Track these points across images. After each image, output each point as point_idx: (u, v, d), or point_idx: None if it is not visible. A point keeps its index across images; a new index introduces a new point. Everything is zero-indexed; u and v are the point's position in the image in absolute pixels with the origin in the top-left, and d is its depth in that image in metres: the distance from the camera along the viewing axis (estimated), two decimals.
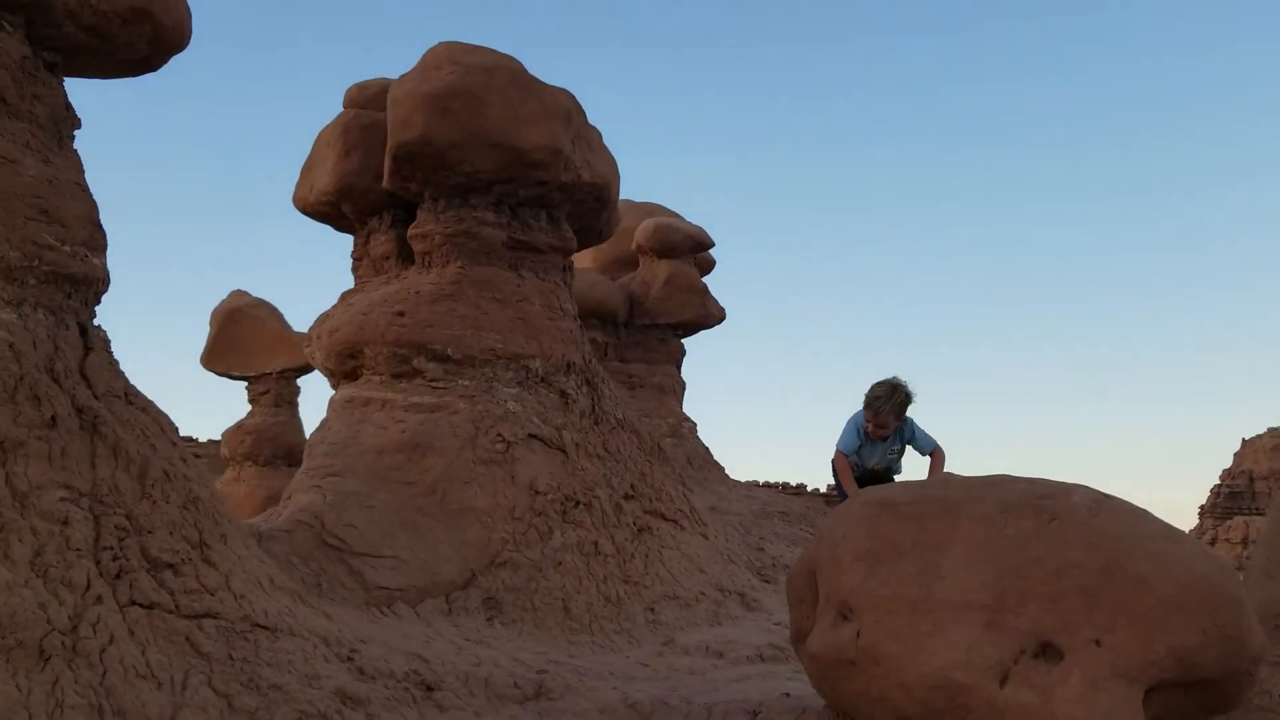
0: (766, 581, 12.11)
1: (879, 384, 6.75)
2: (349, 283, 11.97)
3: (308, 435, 15.40)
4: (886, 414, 6.76)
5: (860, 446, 7.05)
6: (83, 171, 7.40)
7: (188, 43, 7.85)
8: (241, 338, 22.86)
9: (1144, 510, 5.41)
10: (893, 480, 7.25)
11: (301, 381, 23.20)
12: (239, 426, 22.93)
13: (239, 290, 23.46)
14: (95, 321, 7.25)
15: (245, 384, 23.26)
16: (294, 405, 23.13)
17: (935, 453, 7.06)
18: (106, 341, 7.18)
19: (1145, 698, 4.99)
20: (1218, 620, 4.89)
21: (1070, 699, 4.82)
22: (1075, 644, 4.92)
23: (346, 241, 12.27)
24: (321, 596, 7.85)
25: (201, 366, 23.17)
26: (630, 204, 19.61)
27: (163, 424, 7.31)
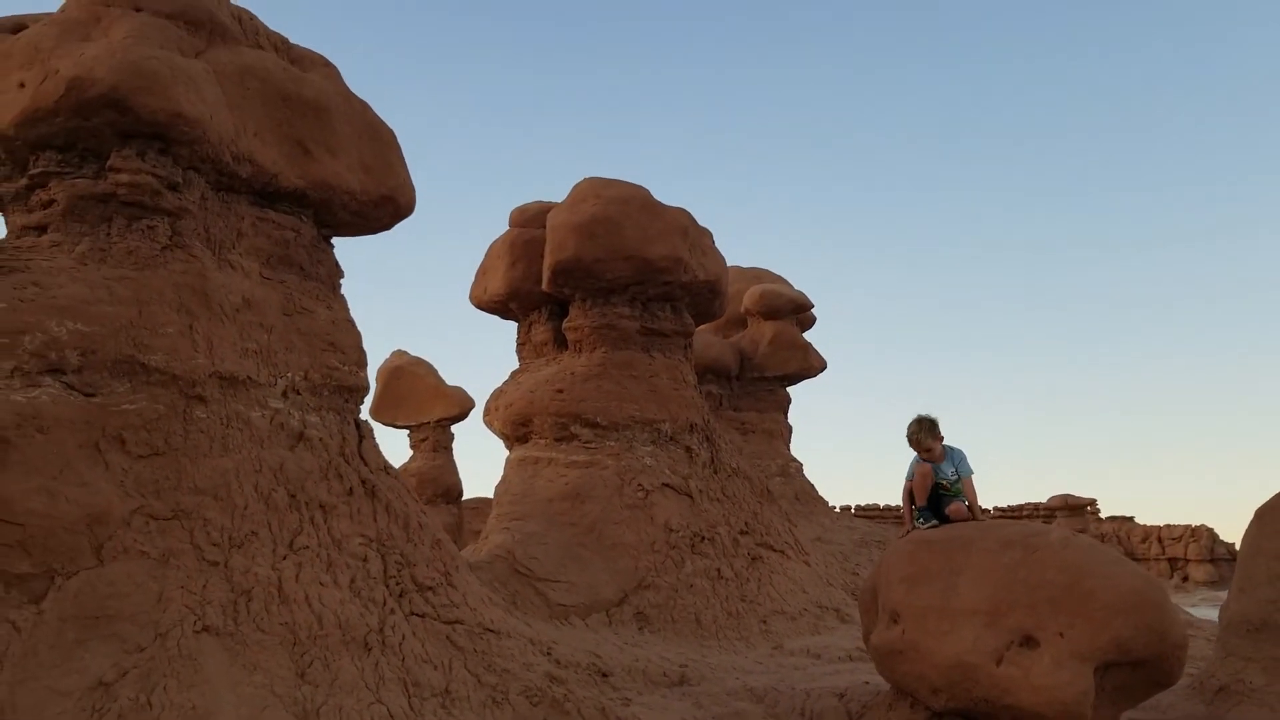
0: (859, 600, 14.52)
1: (908, 425, 8.76)
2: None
3: (463, 477, 18.52)
4: (925, 437, 8.46)
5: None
6: (349, 309, 10.43)
7: (413, 211, 10.86)
8: (403, 392, 26.23)
9: (1101, 544, 7.78)
10: (960, 497, 9.12)
11: (456, 429, 26.46)
12: (403, 470, 26.25)
13: (400, 350, 26.90)
14: (362, 417, 10.26)
15: (407, 432, 26.63)
16: (450, 450, 26.35)
17: (968, 480, 9.00)
18: (371, 431, 10.17)
19: (1101, 674, 7.33)
20: (1144, 619, 7.22)
21: (1042, 673, 7.22)
22: (1047, 636, 7.31)
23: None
24: (519, 611, 10.68)
25: (370, 418, 26.61)
26: (739, 270, 22.22)
27: (408, 488, 10.27)
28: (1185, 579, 55.34)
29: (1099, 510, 60.82)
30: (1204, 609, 29.45)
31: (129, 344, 7.78)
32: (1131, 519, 63.27)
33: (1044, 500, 56.26)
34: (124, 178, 8.09)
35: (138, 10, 8.53)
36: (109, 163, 8.08)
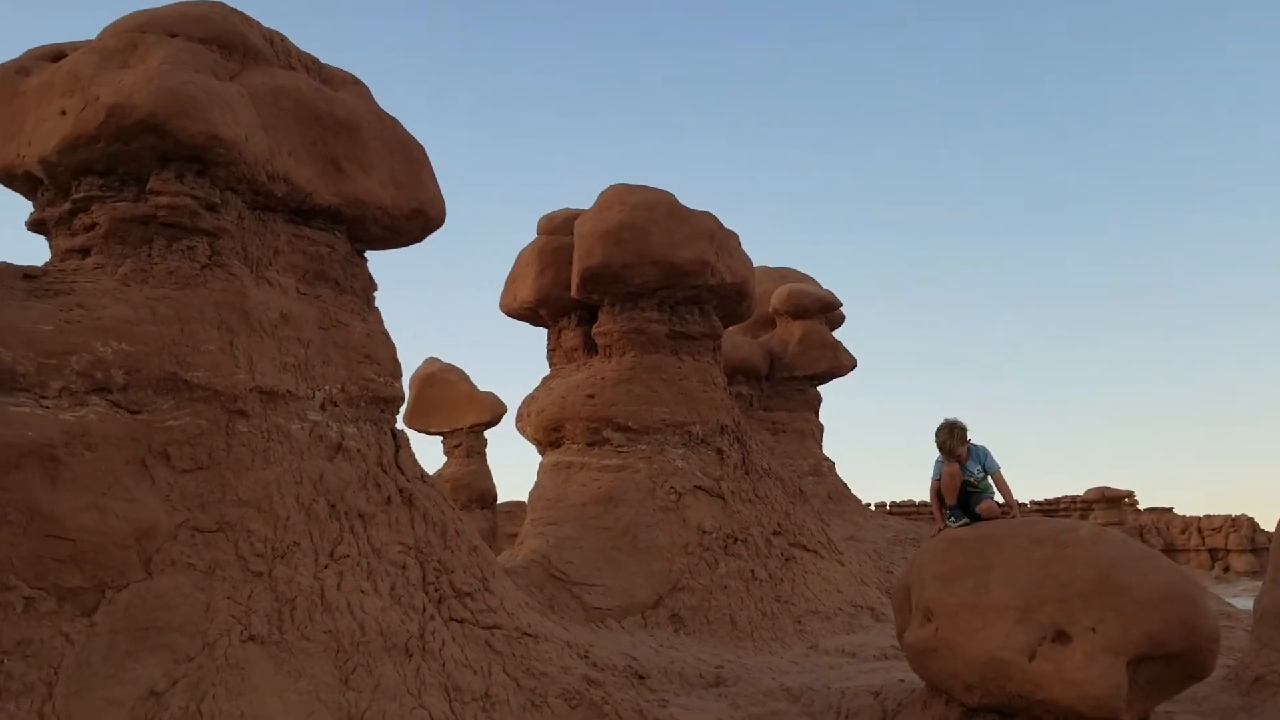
0: None
1: (938, 430, 8.86)
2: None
3: (496, 482, 18.86)
4: (957, 444, 8.59)
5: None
6: (383, 322, 10.61)
7: (443, 223, 11.04)
8: (436, 398, 26.50)
9: (1130, 539, 7.81)
10: (988, 494, 9.26)
11: (488, 434, 26.70)
12: (437, 476, 26.52)
13: (432, 357, 27.18)
14: (398, 426, 10.45)
15: (441, 438, 26.90)
16: (483, 455, 26.58)
17: (997, 473, 9.12)
18: (407, 440, 10.35)
19: (1134, 668, 7.36)
20: (1177, 612, 7.25)
21: (1075, 668, 7.27)
22: (1079, 631, 7.35)
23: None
24: (555, 614, 10.83)
25: (403, 424, 26.92)
26: (766, 270, 22.28)
27: (444, 495, 10.45)
28: (1226, 569, 54.78)
29: (1137, 502, 60.31)
30: (1245, 599, 29.10)
31: (172, 362, 7.99)
32: (1170, 510, 62.67)
33: (1081, 493, 55.84)
34: (163, 200, 8.32)
35: (173, 36, 8.76)
36: (149, 186, 8.31)
